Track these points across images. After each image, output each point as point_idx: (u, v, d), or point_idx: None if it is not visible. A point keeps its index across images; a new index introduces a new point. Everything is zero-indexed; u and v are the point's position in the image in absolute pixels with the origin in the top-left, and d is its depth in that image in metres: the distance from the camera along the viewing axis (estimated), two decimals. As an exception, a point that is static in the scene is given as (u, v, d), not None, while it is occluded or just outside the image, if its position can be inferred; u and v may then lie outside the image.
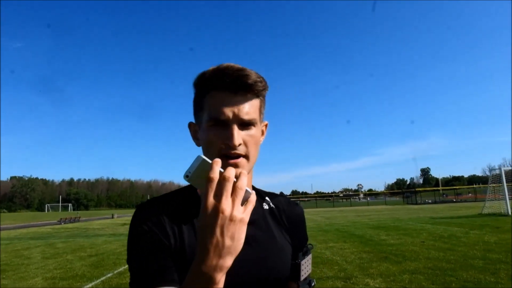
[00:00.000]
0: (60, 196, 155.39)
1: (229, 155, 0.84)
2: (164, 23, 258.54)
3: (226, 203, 0.62)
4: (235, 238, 0.63)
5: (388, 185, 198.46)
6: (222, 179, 0.63)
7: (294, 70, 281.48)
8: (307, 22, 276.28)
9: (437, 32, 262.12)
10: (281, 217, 1.01)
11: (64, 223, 35.76)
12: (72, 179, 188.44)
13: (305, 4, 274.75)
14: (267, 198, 1.04)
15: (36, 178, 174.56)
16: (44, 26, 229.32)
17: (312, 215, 32.49)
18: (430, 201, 60.63)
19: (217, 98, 0.87)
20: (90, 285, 7.24)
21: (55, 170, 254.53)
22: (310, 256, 1.00)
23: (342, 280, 6.71)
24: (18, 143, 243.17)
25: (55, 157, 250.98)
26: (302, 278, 0.95)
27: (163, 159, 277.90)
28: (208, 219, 0.63)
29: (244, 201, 0.66)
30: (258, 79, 0.87)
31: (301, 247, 1.01)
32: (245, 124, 0.87)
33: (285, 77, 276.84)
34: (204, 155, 0.88)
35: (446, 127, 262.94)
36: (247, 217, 0.64)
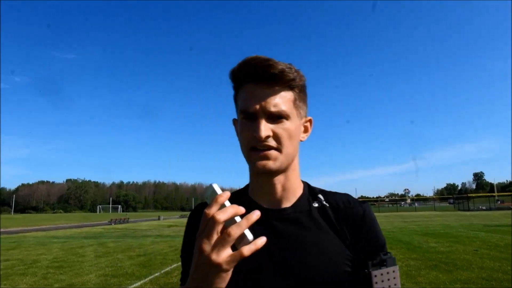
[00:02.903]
0: (111, 198, 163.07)
1: (257, 148, 0.83)
2: (164, 23, 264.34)
3: (206, 244, 0.59)
4: (207, 280, 0.61)
5: (437, 190, 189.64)
6: (211, 219, 0.59)
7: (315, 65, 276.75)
8: (308, 22, 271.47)
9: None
10: (334, 216, 0.90)
11: (114, 224, 37.45)
12: (121, 182, 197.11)
13: (305, 4, 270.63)
14: (320, 195, 0.95)
15: (89, 181, 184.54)
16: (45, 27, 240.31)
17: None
18: (484, 207, 57.01)
19: (245, 92, 0.86)
20: (138, 283, 7.54)
21: (106, 173, 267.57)
22: (394, 268, 0.83)
23: None
24: (72, 148, 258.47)
25: (106, 160, 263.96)
26: None
27: (207, 163, 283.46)
28: (194, 251, 0.63)
29: (243, 245, 0.60)
30: (287, 69, 0.83)
31: (369, 252, 0.86)
32: (274, 117, 0.83)
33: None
34: (241, 149, 0.89)
35: (502, 128, 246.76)
36: (227, 265, 0.59)
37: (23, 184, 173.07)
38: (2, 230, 27.94)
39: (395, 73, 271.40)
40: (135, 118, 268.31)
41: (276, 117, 0.83)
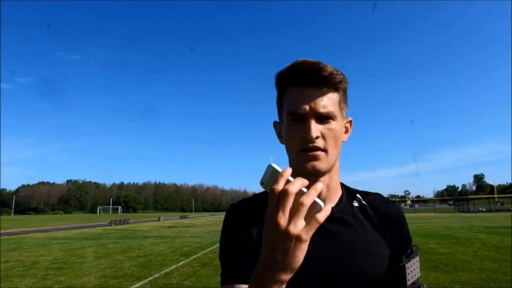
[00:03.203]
0: (111, 199, 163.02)
1: (307, 149, 0.85)
2: (164, 23, 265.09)
3: (282, 218, 0.59)
4: (288, 254, 0.59)
5: (438, 191, 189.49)
6: (283, 192, 0.59)
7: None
8: (307, 22, 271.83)
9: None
10: (374, 216, 0.95)
11: (114, 225, 37.45)
12: (122, 183, 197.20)
13: (305, 4, 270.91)
14: (358, 195, 0.99)
15: (90, 182, 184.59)
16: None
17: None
18: (484, 209, 56.97)
19: (294, 93, 0.87)
20: (138, 284, 7.54)
21: (107, 174, 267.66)
22: (417, 258, 0.92)
23: (387, 288, 6.51)
24: (73, 149, 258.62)
25: (107, 161, 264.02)
26: (408, 282, 0.88)
27: (207, 164, 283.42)
28: (265, 232, 0.62)
29: (314, 214, 0.61)
30: (335, 72, 0.86)
31: (403, 248, 0.93)
32: (323, 118, 0.86)
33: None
34: (286, 151, 0.92)
35: (503, 131, 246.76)
36: (305, 235, 0.59)
37: (23, 185, 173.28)
38: (2, 231, 27.93)
39: (396, 74, 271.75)
40: (137, 119, 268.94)
41: (325, 118, 0.86)
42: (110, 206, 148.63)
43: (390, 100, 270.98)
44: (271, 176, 0.65)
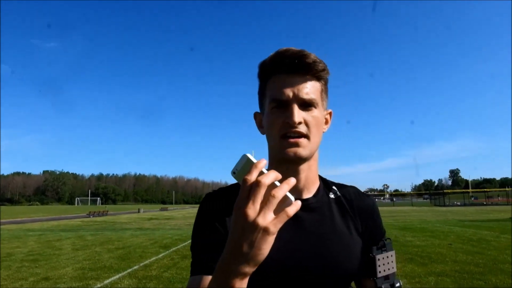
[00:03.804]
0: (89, 190, 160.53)
1: (289, 134, 0.85)
2: (164, 23, 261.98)
3: (251, 209, 0.58)
4: (254, 246, 0.59)
5: (415, 186, 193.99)
6: (254, 183, 0.59)
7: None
8: (308, 22, 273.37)
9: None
10: (349, 207, 0.96)
11: (93, 217, 36.86)
12: (101, 174, 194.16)
13: (305, 4, 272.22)
14: (334, 187, 1.00)
15: (67, 173, 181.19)
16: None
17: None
18: (459, 203, 58.76)
19: (277, 81, 0.87)
20: (117, 276, 7.46)
21: (85, 165, 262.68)
22: (392, 253, 0.92)
23: (365, 280, 6.63)
24: (49, 139, 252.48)
25: (85, 152, 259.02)
26: (379, 274, 0.88)
27: (188, 156, 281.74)
28: (232, 222, 0.61)
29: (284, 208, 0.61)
30: (318, 60, 0.87)
31: (375, 240, 0.95)
32: (306, 104, 0.86)
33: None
34: (267, 139, 0.92)
35: (477, 128, 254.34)
36: (274, 227, 0.58)
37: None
38: (-25, 222, 27.11)
39: (369, 69, 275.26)
40: (116, 111, 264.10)
41: (308, 105, 0.87)
42: (89, 198, 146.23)
43: (368, 96, 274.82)
44: (245, 166, 0.64)
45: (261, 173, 0.61)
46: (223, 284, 0.62)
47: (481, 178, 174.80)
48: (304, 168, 0.90)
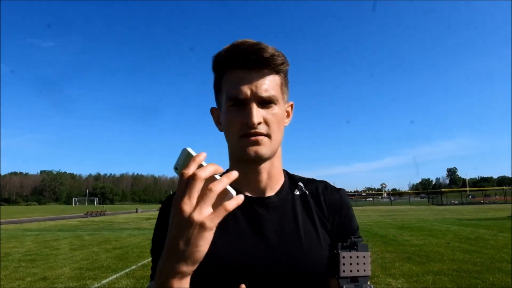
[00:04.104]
0: (87, 190, 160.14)
1: (248, 135, 0.80)
2: (164, 23, 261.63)
3: (187, 204, 0.55)
4: (190, 243, 0.56)
5: (413, 185, 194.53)
6: (191, 177, 0.56)
7: (303, 67, 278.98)
8: (308, 22, 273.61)
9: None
10: (315, 204, 0.91)
11: (90, 217, 36.76)
12: (98, 174, 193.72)
13: (305, 4, 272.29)
14: (300, 183, 0.95)
15: (65, 173, 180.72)
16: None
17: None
18: (456, 202, 58.91)
19: (233, 77, 0.82)
20: (115, 276, 7.44)
21: (83, 165, 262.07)
22: (365, 254, 0.81)
23: (363, 279, 6.63)
24: (47, 139, 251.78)
25: (82, 152, 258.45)
26: (342, 274, 0.78)
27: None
28: (171, 216, 0.58)
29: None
30: (276, 53, 0.82)
31: (342, 236, 0.86)
32: (265, 102, 0.81)
33: (303, 75, 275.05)
34: (226, 138, 0.87)
35: (475, 127, 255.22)
36: (210, 222, 0.56)
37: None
38: (-28, 222, 27.01)
39: (364, 69, 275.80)
40: (114, 110, 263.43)
41: (267, 102, 0.82)
42: (86, 198, 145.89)
43: (365, 96, 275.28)
44: (185, 160, 0.61)
45: (200, 166, 0.58)
46: (163, 284, 0.59)
47: (478, 176, 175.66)
48: (266, 166, 0.87)
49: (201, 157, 0.59)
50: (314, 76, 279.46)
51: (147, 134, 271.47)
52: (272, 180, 0.89)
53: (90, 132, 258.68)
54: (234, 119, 0.81)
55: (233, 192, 0.59)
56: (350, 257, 0.79)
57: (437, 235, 13.27)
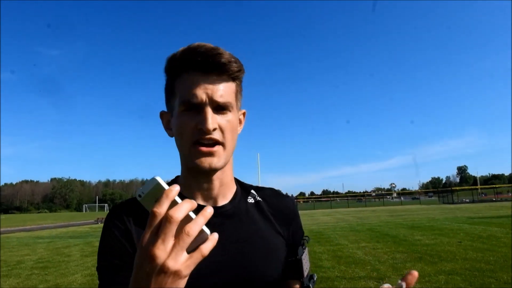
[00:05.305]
0: (97, 197, 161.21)
1: (202, 142, 0.78)
2: (164, 23, 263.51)
3: (161, 249, 0.49)
4: None
5: (423, 184, 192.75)
6: (165, 218, 0.50)
7: (298, 68, 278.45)
8: (308, 22, 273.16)
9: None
10: (269, 211, 0.91)
11: (100, 223, 36.97)
12: (108, 180, 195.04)
13: (305, 4, 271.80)
14: (252, 191, 0.95)
15: (75, 180, 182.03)
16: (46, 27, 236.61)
17: (343, 215, 32.00)
18: (467, 200, 58.23)
19: (188, 80, 0.79)
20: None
21: (92, 172, 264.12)
22: (307, 250, 0.91)
23: (374, 280, 6.59)
24: (56, 146, 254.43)
25: (91, 159, 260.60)
26: (305, 274, 0.86)
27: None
28: (138, 260, 0.52)
29: (198, 244, 0.53)
30: (233, 59, 0.80)
31: (298, 241, 0.92)
32: (220, 108, 0.79)
33: (304, 76, 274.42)
34: (177, 144, 0.85)
35: (484, 124, 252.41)
36: (186, 270, 0.51)
37: (5, 184, 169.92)
38: (-16, 231, 27.35)
39: (366, 70, 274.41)
40: (121, 116, 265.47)
41: (222, 108, 0.80)
42: (96, 204, 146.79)
43: (370, 96, 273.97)
44: (154, 191, 0.54)
45: (174, 202, 0.52)
46: None
47: (489, 174, 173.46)
48: (217, 175, 0.85)
49: (174, 193, 0.52)
50: (314, 76, 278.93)
51: (154, 139, 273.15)
52: (224, 189, 0.88)
53: (99, 138, 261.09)
54: (187, 124, 0.79)
55: (207, 231, 0.54)
56: (304, 257, 0.88)
57: (449, 234, 13.12)
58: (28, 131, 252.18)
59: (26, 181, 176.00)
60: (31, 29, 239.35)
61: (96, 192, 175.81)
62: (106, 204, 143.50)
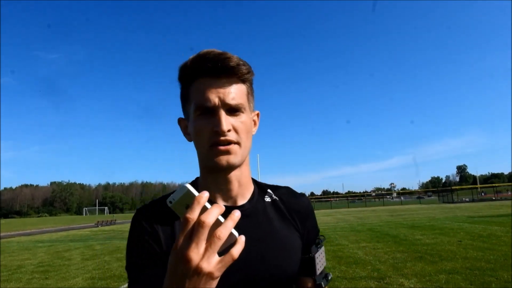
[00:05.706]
0: (97, 200, 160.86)
1: (219, 143, 0.81)
2: (164, 23, 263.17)
3: (195, 252, 0.54)
4: None
5: (423, 183, 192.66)
6: (197, 223, 0.54)
7: (298, 68, 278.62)
8: (308, 22, 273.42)
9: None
10: (286, 209, 0.95)
11: (101, 226, 36.97)
12: (107, 183, 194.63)
13: (306, 4, 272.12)
14: (269, 190, 0.98)
15: (74, 183, 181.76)
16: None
17: (344, 215, 32.00)
18: (467, 199, 58.23)
19: (201, 86, 0.83)
20: (126, 285, 7.45)
21: (91, 175, 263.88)
22: (323, 248, 0.94)
23: (375, 280, 6.60)
24: (55, 150, 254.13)
25: (90, 162, 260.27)
26: (318, 272, 0.89)
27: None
28: (173, 263, 0.56)
29: (228, 246, 0.57)
30: (242, 63, 0.84)
31: (312, 239, 0.95)
32: (233, 110, 0.83)
33: (304, 76, 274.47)
34: (195, 147, 0.88)
35: (483, 123, 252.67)
36: (218, 272, 0.55)
37: (5, 188, 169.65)
38: (-15, 235, 27.30)
39: (365, 69, 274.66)
40: (120, 119, 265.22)
41: (235, 110, 0.83)
42: (96, 207, 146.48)
43: (370, 96, 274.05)
44: (184, 198, 0.58)
45: (204, 208, 0.56)
46: None
47: (489, 173, 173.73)
48: (236, 174, 0.88)
49: (204, 199, 0.57)
50: (314, 76, 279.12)
51: (154, 141, 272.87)
52: (242, 188, 0.91)
53: (98, 142, 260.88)
54: (203, 128, 0.82)
55: (236, 234, 0.57)
56: (319, 255, 0.91)
57: (449, 233, 13.13)
58: (28, 135, 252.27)
59: (26, 185, 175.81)
60: (30, 32, 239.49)
61: (96, 195, 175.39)
62: (106, 207, 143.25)
